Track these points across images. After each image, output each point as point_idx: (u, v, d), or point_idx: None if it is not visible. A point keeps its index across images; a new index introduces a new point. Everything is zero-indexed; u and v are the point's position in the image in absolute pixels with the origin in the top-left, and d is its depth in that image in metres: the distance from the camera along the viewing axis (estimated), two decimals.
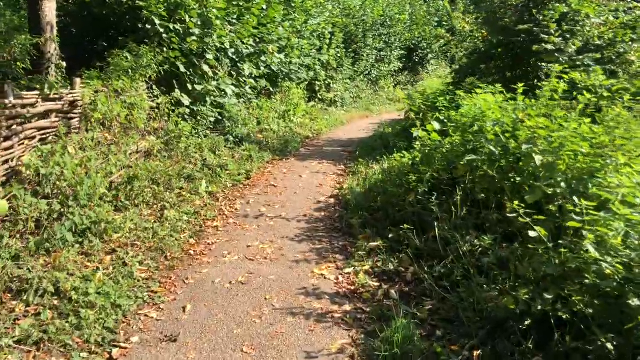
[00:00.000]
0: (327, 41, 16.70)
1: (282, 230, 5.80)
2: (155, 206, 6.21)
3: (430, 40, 25.42)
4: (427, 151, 6.17)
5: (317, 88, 16.96)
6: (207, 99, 9.45)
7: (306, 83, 15.62)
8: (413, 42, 24.57)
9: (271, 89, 13.59)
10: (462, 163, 5.54)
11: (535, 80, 9.75)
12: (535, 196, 3.97)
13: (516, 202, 3.69)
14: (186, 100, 8.88)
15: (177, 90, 8.81)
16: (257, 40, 11.46)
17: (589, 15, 8.97)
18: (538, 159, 4.06)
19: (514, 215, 3.83)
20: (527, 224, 3.60)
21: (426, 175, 5.54)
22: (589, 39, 8.95)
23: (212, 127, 9.64)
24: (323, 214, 6.45)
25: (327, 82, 17.26)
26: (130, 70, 7.67)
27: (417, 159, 6.47)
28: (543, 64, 9.42)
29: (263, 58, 11.22)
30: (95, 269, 4.47)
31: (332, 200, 7.05)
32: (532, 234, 3.43)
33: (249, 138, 10.20)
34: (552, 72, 6.06)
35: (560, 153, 4.11)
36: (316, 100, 17.05)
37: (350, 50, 19.23)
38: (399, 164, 7.24)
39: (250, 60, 11.17)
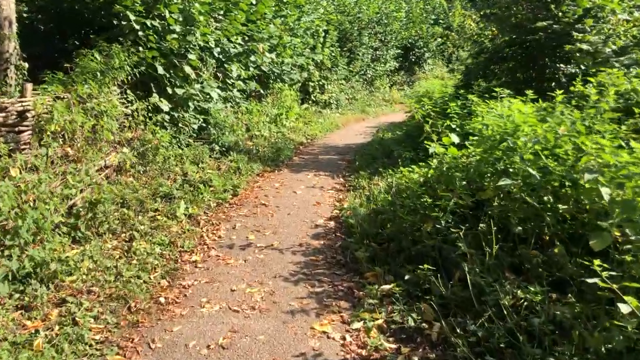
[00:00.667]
0: (321, 39, 15.74)
1: (274, 266, 4.84)
2: (123, 235, 5.24)
3: (427, 38, 24.54)
4: (444, 169, 5.23)
5: (311, 89, 16.00)
6: (190, 104, 8.47)
7: (299, 84, 14.64)
8: (409, 40, 23.67)
9: (262, 91, 12.61)
10: (491, 187, 4.63)
11: (553, 84, 8.88)
12: (604, 242, 3.04)
13: (596, 262, 2.75)
14: (165, 106, 7.89)
15: (155, 95, 7.83)
16: (246, 38, 10.48)
17: (614, 10, 8.08)
18: (606, 192, 3.12)
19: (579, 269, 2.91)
20: (584, 269, 2.69)
21: (449, 202, 4.59)
22: (612, 37, 8.07)
23: (195, 135, 8.66)
24: (322, 242, 5.50)
25: (321, 83, 16.31)
26: (99, 73, 6.68)
27: (431, 177, 5.54)
28: (562, 65, 8.54)
29: (252, 58, 10.25)
30: (34, 331, 3.50)
31: (332, 224, 6.10)
32: (623, 308, 2.49)
33: (237, 147, 9.23)
34: (596, 77, 5.15)
35: (630, 185, 3.19)
36: (310, 102, 16.10)
37: (345, 49, 18.28)
38: (408, 182, 6.30)
39: (239, 61, 10.19)
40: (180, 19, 8.26)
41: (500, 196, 4.55)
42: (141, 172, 6.89)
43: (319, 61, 15.57)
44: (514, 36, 8.95)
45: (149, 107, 7.57)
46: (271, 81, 12.92)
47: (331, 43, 16.40)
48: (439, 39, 25.69)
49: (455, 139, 5.44)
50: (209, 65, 9.04)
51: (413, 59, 24.45)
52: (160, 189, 6.49)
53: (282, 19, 12.65)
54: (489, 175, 4.78)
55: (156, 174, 7.03)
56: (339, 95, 17.34)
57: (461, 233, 4.33)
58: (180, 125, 8.36)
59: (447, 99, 8.52)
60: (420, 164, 7.01)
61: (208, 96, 8.72)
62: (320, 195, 7.35)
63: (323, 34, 15.89)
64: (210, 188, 7.04)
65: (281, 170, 8.90)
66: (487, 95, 8.29)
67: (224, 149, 8.92)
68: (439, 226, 4.66)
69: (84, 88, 6.23)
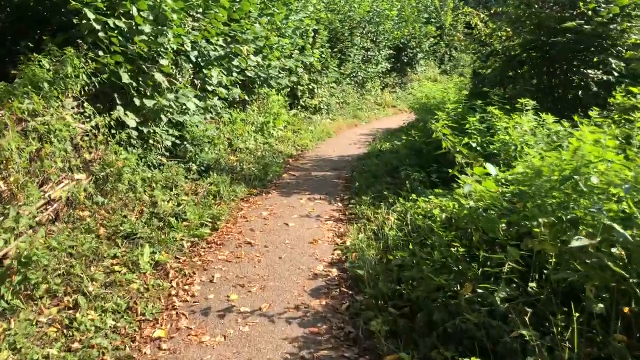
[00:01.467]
0: (311, 40, 14.56)
1: (264, 346, 3.65)
2: (67, 299, 4.03)
3: (420, 38, 23.46)
4: (482, 211, 4.08)
5: (300, 94, 14.81)
6: (162, 117, 7.24)
7: (288, 89, 13.46)
8: (402, 40, 22.56)
9: (247, 98, 11.39)
10: (547, 239, 3.50)
11: (580, 92, 7.79)
12: None
13: None
14: (132, 121, 6.66)
15: (119, 108, 6.59)
16: (228, 40, 9.26)
17: None
18: None
19: None
20: None
21: (503, 269, 3.45)
22: None
23: (169, 154, 7.43)
24: (324, 302, 4.32)
25: (310, 87, 15.12)
26: (47, 84, 5.44)
27: (462, 218, 4.40)
28: (591, 71, 7.46)
29: (235, 62, 9.02)
30: None
31: (334, 272, 4.92)
32: None
33: (219, 165, 8.01)
34: None
35: None
36: (299, 107, 14.90)
37: (335, 50, 17.11)
38: (426, 217, 5.17)
39: (220, 65, 8.97)
40: (151, 17, 7.03)
41: (564, 255, 3.42)
42: (100, 205, 5.65)
43: (308, 64, 14.38)
44: (532, 38, 7.85)
45: (112, 123, 6.34)
46: (257, 86, 11.70)
47: (321, 44, 15.23)
48: (432, 39, 24.65)
49: (492, 170, 4.31)
50: (184, 72, 7.82)
51: (405, 60, 23.35)
52: (122, 227, 5.28)
53: (269, 17, 11.45)
54: (544, 223, 3.65)
55: (119, 205, 5.80)
56: (329, 100, 16.18)
57: (505, 294, 3.22)
58: (151, 142, 7.13)
59: (460, 110, 7.39)
60: (437, 191, 5.89)
61: (184, 107, 7.50)
62: (317, 227, 6.16)
63: (313, 34, 14.71)
64: (185, 222, 5.84)
65: (269, 193, 7.70)
66: (508, 107, 7.19)
67: (202, 168, 7.70)
68: (481, 291, 3.54)
69: (24, 104, 5.00)
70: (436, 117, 6.71)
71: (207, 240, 5.65)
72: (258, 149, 10.37)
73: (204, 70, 8.44)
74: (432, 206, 5.44)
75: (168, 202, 6.38)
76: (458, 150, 5.16)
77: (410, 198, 6.13)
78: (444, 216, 4.97)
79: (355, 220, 6.33)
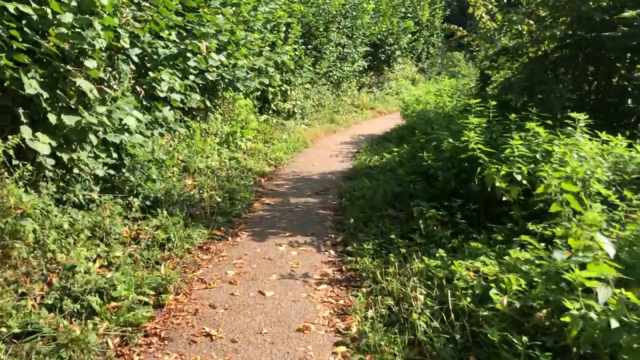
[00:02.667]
0: (282, 35, 12.72)
1: None
2: None
3: (398, 34, 21.86)
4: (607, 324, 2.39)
5: (271, 96, 12.97)
6: (92, 137, 5.34)
7: (257, 92, 11.62)
8: (378, 36, 20.92)
9: (208, 104, 9.51)
10: None
11: (629, 100, 6.22)
12: None
13: None
14: (44, 146, 4.77)
15: (25, 128, 4.69)
16: (183, 34, 7.38)
17: None
18: None
19: None
20: None
21: None
22: None
23: (100, 187, 5.54)
24: None
25: (283, 89, 13.29)
26: None
27: (577, 336, 2.71)
28: None
29: (192, 62, 7.13)
30: None
31: None
32: None
33: (170, 197, 6.15)
34: None
35: None
36: (270, 112, 13.07)
37: (310, 46, 15.32)
38: (483, 311, 3.48)
39: (173, 66, 7.09)
40: (73, 3, 5.12)
41: None
42: None
43: (280, 62, 12.55)
44: (569, 32, 6.24)
45: (11, 152, 4.44)
46: (220, 89, 9.84)
47: (294, 39, 13.41)
48: (410, 35, 23.08)
49: (610, 249, 2.62)
50: (122, 76, 5.92)
51: (382, 58, 21.70)
52: (8, 323, 3.41)
53: (234, 7, 9.58)
54: None
55: (14, 277, 3.92)
56: (304, 103, 14.38)
57: None
58: (74, 172, 5.24)
59: (494, 126, 5.70)
60: (487, 259, 4.17)
61: (122, 123, 5.61)
62: (306, 298, 4.37)
63: (284, 29, 12.87)
64: (113, 302, 3.99)
65: (237, 236, 5.87)
66: (550, 123, 5.55)
67: (148, 203, 5.84)
68: None
69: None
70: (464, 137, 5.01)
71: (145, 330, 3.80)
72: (222, 167, 8.53)
73: (150, 73, 6.54)
74: (480, 276, 3.74)
75: (94, 261, 4.52)
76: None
77: (437, 255, 4.43)
78: (508, 301, 3.26)
79: (358, 282, 4.60)
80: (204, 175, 7.78)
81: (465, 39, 9.13)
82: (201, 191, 7.07)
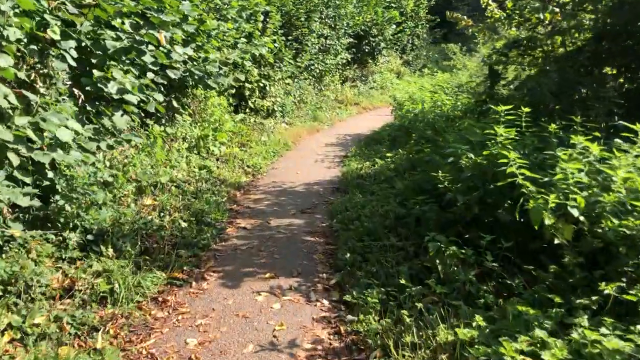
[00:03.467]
0: (260, 25, 11.44)
1: None
2: None
3: (383, 25, 20.67)
4: None
5: (248, 93, 11.71)
6: (10, 157, 4.07)
7: (233, 89, 10.36)
8: (362, 27, 19.72)
9: (175, 104, 8.25)
10: None
11: None
12: None
13: None
14: None
15: None
16: (140, 23, 6.07)
17: None
18: None
19: None
20: None
21: None
22: None
23: (24, 220, 4.27)
24: None
25: (261, 85, 12.03)
26: None
27: None
28: None
29: (148, 57, 5.83)
30: None
31: None
32: None
33: (119, 227, 4.91)
34: None
35: None
36: (246, 111, 11.81)
37: (290, 38, 14.05)
38: None
39: (129, 63, 5.81)
40: None
41: None
42: None
43: (258, 55, 11.26)
44: (612, 21, 5.13)
45: None
46: (189, 88, 8.58)
47: (273, 30, 12.14)
48: (394, 26, 21.89)
49: None
50: (56, 76, 4.64)
51: (366, 50, 20.49)
52: None
53: None
54: None
55: None
56: (284, 99, 13.13)
57: None
58: None
59: (516, 136, 4.54)
60: (547, 336, 3.05)
61: (52, 138, 4.34)
62: None
63: (262, 18, 11.60)
64: None
65: (204, 280, 4.64)
66: (597, 135, 4.43)
67: (90, 237, 4.59)
68: None
69: None
70: (502, 160, 3.86)
71: None
72: (191, 179, 7.28)
73: (96, 72, 5.25)
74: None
75: (1, 334, 3.30)
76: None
77: (467, 313, 3.30)
78: None
79: (363, 353, 3.44)
80: (167, 191, 6.53)
81: (470, 30, 7.99)
82: (162, 214, 5.84)
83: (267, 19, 11.93)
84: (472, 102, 8.24)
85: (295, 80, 14.36)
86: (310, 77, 15.78)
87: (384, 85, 21.18)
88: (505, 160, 3.79)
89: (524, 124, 4.51)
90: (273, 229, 5.99)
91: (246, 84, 11.61)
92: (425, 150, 6.21)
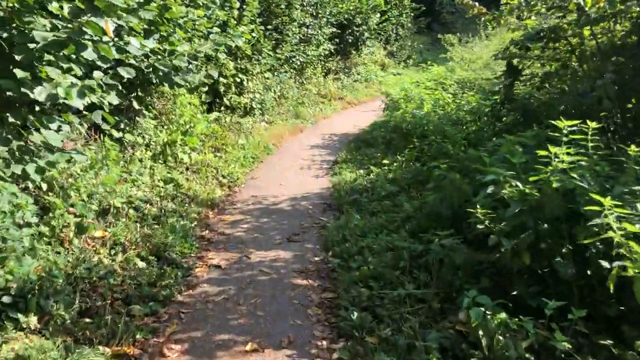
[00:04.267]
0: (236, 13, 10.15)
1: None
2: None
3: (367, 13, 19.47)
4: None
5: (223, 89, 10.45)
6: None
7: (205, 86, 9.10)
8: (345, 16, 18.50)
9: (135, 105, 6.99)
10: None
11: None
12: None
13: None
14: None
15: None
16: (81, 8, 4.78)
17: None
18: None
19: None
20: None
21: None
22: None
23: None
24: None
25: (238, 80, 10.76)
26: None
27: None
28: None
29: (89, 53, 4.54)
30: None
31: None
32: None
33: (50, 282, 3.68)
34: None
35: None
36: (222, 109, 10.56)
37: (270, 27, 12.77)
38: None
39: (65, 60, 4.53)
40: None
41: None
42: None
43: (234, 47, 9.97)
44: None
45: None
46: (153, 85, 7.32)
47: (251, 18, 10.86)
48: (379, 15, 20.69)
49: None
50: None
51: (350, 40, 19.27)
52: None
53: None
54: None
55: None
56: (264, 95, 11.88)
57: None
58: None
59: (583, 159, 3.42)
60: None
61: None
62: None
63: (238, 4, 10.31)
64: None
65: (162, 355, 3.44)
66: None
67: (6, 300, 3.36)
68: None
69: None
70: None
71: None
72: (154, 198, 6.06)
73: (18, 71, 3.98)
74: None
75: None
76: None
77: None
78: None
79: None
80: (123, 216, 5.30)
81: (482, 19, 6.86)
82: (114, 250, 4.62)
83: (244, 6, 10.64)
84: (484, 102, 7.14)
85: (276, 73, 13.10)
86: (291, 70, 14.53)
87: (368, 77, 20.05)
88: (594, 208, 2.67)
89: (590, 144, 3.40)
90: (254, 266, 4.80)
91: (221, 79, 10.36)
92: (441, 166, 5.07)
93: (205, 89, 8.48)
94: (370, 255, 4.61)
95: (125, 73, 5.15)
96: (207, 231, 5.69)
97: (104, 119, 4.88)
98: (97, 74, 4.93)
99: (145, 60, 6.65)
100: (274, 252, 5.12)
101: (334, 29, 17.23)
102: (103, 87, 5.10)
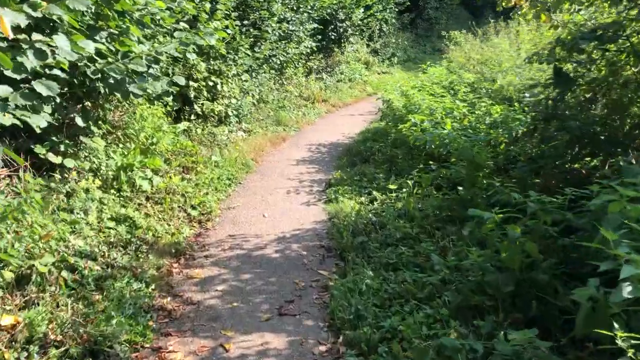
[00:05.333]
0: (208, 6, 8.62)
1: None
2: None
3: (351, 8, 18.08)
4: None
5: (194, 95, 8.93)
6: None
7: (170, 95, 7.57)
8: (328, 11, 17.10)
9: (80, 122, 5.49)
10: None
11: None
12: None
13: None
14: None
15: None
16: None
17: None
18: None
19: None
20: None
21: None
22: None
23: None
24: None
25: (210, 83, 9.25)
26: None
27: None
28: None
29: None
30: None
31: None
32: None
33: None
34: None
35: None
36: (192, 117, 9.06)
37: (247, 23, 11.27)
38: None
39: None
40: None
41: None
42: None
43: (206, 46, 8.44)
44: None
45: None
46: (101, 96, 5.82)
47: (225, 12, 9.34)
48: (362, 11, 19.28)
49: None
50: None
51: (333, 37, 17.84)
52: None
53: None
54: None
55: None
56: (241, 100, 10.39)
57: None
58: None
59: None
60: None
61: None
62: None
63: None
64: None
65: None
66: None
67: None
68: None
69: None
70: None
71: None
72: (100, 248, 4.57)
73: None
74: None
75: None
76: None
77: None
78: None
79: None
80: (52, 284, 3.81)
81: (519, 12, 5.51)
82: (28, 350, 3.14)
83: None
84: (519, 115, 5.81)
85: (254, 75, 11.60)
86: (271, 70, 13.05)
87: (352, 77, 18.69)
88: None
89: None
90: None
91: (191, 83, 8.86)
92: (496, 216, 3.66)
93: (170, 98, 6.96)
94: (401, 349, 3.22)
95: (44, 89, 3.64)
96: (168, 298, 4.22)
97: (11, 160, 3.38)
98: (3, 89, 3.42)
99: (91, 65, 5.17)
100: (260, 338, 3.67)
101: (316, 25, 15.78)
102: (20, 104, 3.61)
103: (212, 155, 8.14)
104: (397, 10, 23.68)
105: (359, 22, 19.19)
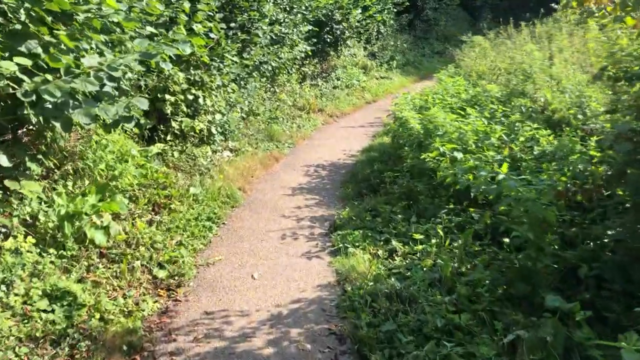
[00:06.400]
0: (187, 5, 7.17)
1: None
2: None
3: (348, 8, 16.69)
4: None
5: (170, 110, 7.50)
6: None
7: (133, 119, 6.12)
8: (324, 12, 15.71)
9: (5, 162, 4.06)
10: None
11: None
12: None
13: None
14: None
15: None
16: None
17: None
18: None
19: None
20: None
21: None
22: None
23: None
24: None
25: (191, 97, 7.81)
26: None
27: None
28: None
29: None
30: None
31: None
32: None
33: None
34: None
35: None
36: (168, 138, 7.63)
37: (234, 26, 9.83)
38: None
39: None
40: None
41: None
42: None
43: (185, 53, 6.98)
44: None
45: None
46: (35, 126, 4.41)
47: (208, 14, 7.89)
48: (360, 12, 17.88)
49: None
50: None
51: (329, 40, 16.43)
52: None
53: None
54: None
55: None
56: (227, 115, 8.97)
57: None
58: None
59: None
60: None
61: None
62: None
63: None
64: None
65: None
66: None
67: None
68: None
69: None
70: None
71: None
72: (17, 351, 3.14)
73: None
74: None
75: None
76: None
77: None
78: None
79: None
80: None
81: (579, 11, 4.18)
82: None
83: None
84: (594, 154, 4.44)
85: (243, 84, 10.17)
86: (263, 79, 11.63)
87: (349, 83, 17.29)
88: None
89: None
90: None
91: (167, 97, 7.45)
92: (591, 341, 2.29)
93: (131, 124, 5.49)
94: None
95: None
96: None
97: None
98: None
99: (17, 86, 3.80)
100: None
101: (311, 27, 14.37)
102: None
103: (190, 186, 6.72)
104: (395, 10, 22.31)
105: (357, 23, 17.80)
